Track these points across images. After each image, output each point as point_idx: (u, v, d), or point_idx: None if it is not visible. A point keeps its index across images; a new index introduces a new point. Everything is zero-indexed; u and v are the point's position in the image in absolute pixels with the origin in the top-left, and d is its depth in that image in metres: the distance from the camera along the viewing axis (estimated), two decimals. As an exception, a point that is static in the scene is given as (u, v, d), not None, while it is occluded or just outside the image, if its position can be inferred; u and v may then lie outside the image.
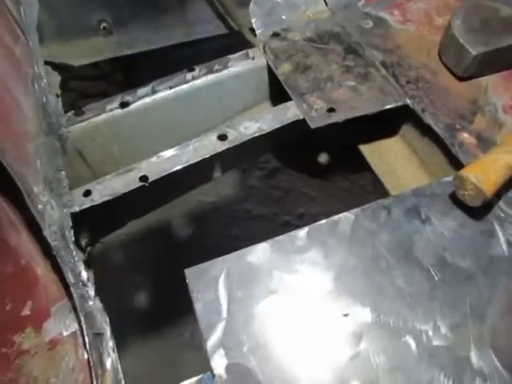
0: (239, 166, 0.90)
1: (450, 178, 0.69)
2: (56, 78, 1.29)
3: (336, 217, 0.66)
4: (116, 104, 0.84)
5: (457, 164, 0.73)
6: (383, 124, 0.89)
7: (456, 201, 0.67)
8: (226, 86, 0.88)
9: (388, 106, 0.79)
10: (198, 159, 0.74)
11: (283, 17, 0.95)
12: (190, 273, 0.62)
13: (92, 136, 0.84)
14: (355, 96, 0.80)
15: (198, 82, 0.86)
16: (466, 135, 0.74)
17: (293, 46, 0.89)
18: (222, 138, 0.76)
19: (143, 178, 0.73)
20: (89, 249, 0.73)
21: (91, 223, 0.72)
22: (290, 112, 0.79)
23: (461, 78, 0.82)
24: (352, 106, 0.79)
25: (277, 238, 0.64)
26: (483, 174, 0.62)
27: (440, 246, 0.63)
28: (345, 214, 0.67)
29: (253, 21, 0.93)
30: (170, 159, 0.75)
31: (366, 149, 0.89)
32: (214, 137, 0.76)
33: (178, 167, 0.73)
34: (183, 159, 0.74)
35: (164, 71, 0.95)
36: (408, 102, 0.80)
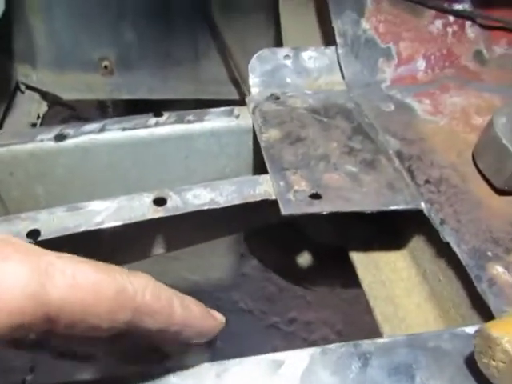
0: (189, 246, 0.67)
1: (470, 330, 0.45)
2: (40, 106, 1.16)
3: (279, 355, 0.42)
4: (51, 135, 0.66)
5: (483, 309, 0.49)
6: (387, 230, 0.67)
7: (475, 370, 0.42)
8: (197, 143, 0.70)
9: (394, 207, 0.57)
10: (117, 223, 0.54)
11: (288, 80, 0.78)
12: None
13: (10, 168, 0.66)
14: (353, 185, 0.60)
15: (160, 129, 0.68)
16: (499, 269, 0.51)
17: (289, 113, 0.71)
18: (159, 202, 0.56)
19: (33, 233, 0.52)
20: None
21: None
22: (261, 188, 0.58)
23: (500, 191, 0.61)
24: (346, 197, 0.58)
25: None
26: (524, 339, 0.38)
27: None
28: (295, 352, 0.43)
29: (250, 77, 0.77)
30: (81, 215, 0.54)
31: (358, 258, 0.66)
32: (148, 198, 0.56)
33: (85, 228, 0.52)
34: (97, 219, 0.54)
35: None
36: (423, 206, 0.58)
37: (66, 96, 1.15)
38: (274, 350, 0.41)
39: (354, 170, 0.62)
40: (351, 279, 0.67)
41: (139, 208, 0.55)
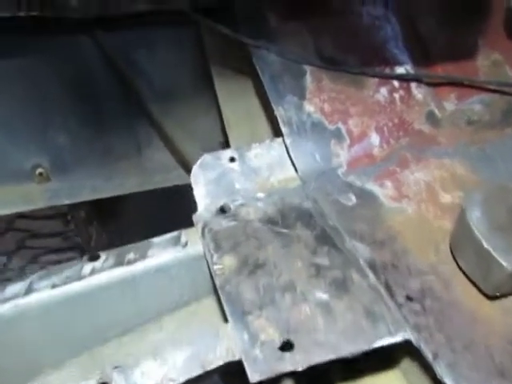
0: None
1: None
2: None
3: None
4: (-33, 309, 0.55)
5: None
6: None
7: None
8: (143, 284, 0.61)
9: (378, 344, 0.49)
10: None
11: (237, 185, 0.71)
12: None
13: None
14: (327, 321, 0.51)
15: (97, 278, 0.58)
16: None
17: (243, 230, 0.63)
18: (101, 393, 0.46)
19: None
20: None
21: None
22: (221, 346, 0.49)
23: (490, 296, 0.54)
24: (320, 342, 0.49)
25: None
26: None
27: None
28: None
29: (195, 189, 0.69)
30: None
31: (347, 392, 0.57)
32: (87, 390, 0.46)
33: None
34: None
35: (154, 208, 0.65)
36: (410, 336, 0.50)
37: (2, 211, 1.04)
38: None
39: (325, 298, 0.54)
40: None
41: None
